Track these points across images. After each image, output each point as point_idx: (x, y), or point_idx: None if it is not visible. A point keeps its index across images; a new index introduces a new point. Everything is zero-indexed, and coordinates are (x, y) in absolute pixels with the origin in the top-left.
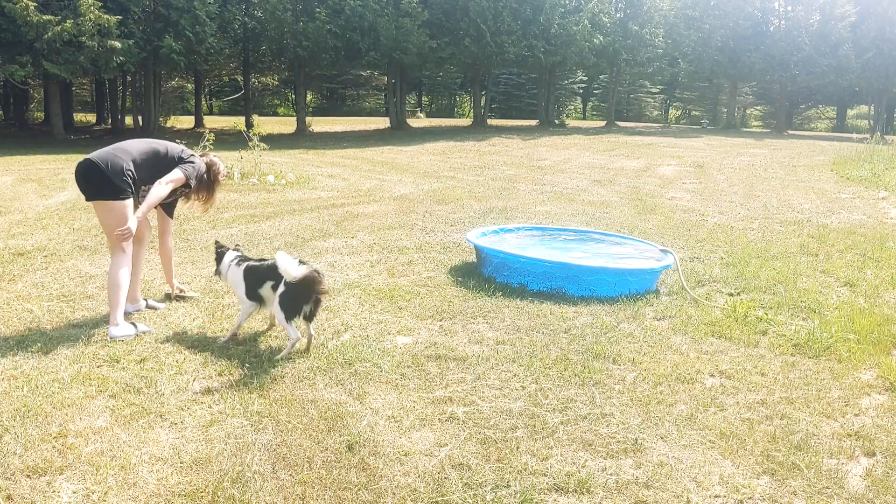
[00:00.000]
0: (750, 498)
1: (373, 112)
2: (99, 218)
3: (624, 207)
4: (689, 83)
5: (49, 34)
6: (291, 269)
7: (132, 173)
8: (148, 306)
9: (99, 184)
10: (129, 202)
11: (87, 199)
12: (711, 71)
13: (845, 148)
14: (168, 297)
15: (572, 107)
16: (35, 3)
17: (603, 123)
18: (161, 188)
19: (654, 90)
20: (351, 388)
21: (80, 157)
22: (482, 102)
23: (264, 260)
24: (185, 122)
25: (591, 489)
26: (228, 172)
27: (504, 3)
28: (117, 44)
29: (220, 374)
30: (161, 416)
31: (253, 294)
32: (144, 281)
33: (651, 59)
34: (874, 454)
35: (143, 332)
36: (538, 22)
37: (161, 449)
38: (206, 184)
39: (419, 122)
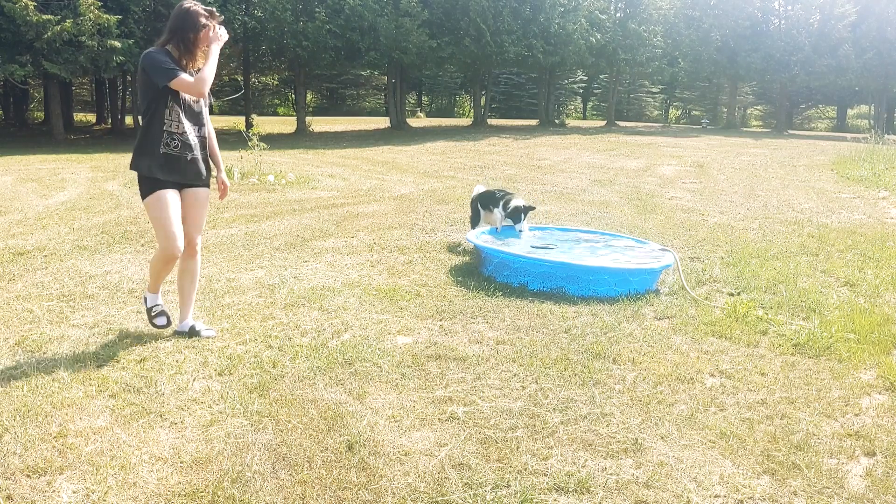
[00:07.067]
0: (750, 498)
1: (373, 112)
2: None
3: (624, 207)
4: (688, 83)
5: (49, 34)
6: None
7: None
8: (195, 330)
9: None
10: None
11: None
12: (711, 71)
13: (845, 148)
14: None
15: (572, 106)
16: (34, 3)
17: (603, 123)
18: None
19: (654, 90)
20: (351, 388)
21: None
22: (482, 102)
23: None
24: None
25: (591, 489)
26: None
27: (504, 2)
28: (117, 43)
29: (220, 374)
30: (161, 415)
31: None
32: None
33: (651, 58)
34: (874, 454)
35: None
36: (538, 21)
37: (161, 449)
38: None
39: (419, 121)
